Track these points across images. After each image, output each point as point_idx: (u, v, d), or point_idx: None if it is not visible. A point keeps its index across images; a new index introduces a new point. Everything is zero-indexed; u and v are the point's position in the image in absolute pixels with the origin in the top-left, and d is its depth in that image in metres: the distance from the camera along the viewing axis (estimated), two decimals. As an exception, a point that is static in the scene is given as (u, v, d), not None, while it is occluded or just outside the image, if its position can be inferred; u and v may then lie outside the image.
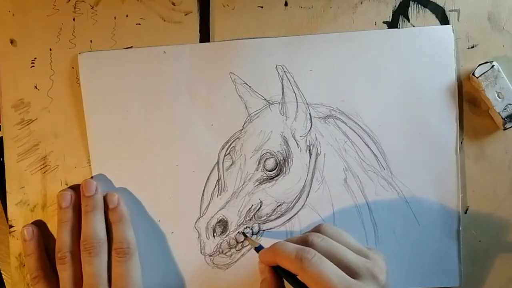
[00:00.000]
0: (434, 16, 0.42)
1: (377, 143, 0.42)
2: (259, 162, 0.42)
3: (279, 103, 0.42)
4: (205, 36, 0.41)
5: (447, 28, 0.42)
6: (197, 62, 0.41)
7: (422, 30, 0.42)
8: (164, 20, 0.41)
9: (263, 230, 0.42)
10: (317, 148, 0.42)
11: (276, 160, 0.42)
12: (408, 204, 0.43)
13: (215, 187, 0.42)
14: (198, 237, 0.42)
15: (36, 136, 0.42)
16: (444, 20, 0.42)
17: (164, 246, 0.42)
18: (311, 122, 0.42)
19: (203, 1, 0.41)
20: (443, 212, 0.43)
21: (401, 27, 0.42)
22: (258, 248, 0.39)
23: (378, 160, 0.42)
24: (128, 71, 0.41)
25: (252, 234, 0.42)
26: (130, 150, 0.41)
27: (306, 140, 0.42)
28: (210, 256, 0.42)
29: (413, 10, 0.42)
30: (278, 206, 0.42)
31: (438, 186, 0.42)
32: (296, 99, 0.42)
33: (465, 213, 0.44)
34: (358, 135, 0.42)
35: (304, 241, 0.34)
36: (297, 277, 0.33)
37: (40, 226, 0.42)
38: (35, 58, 0.41)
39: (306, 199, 0.42)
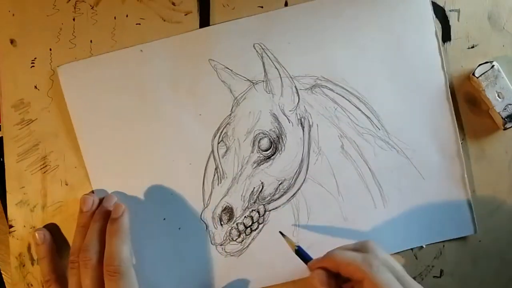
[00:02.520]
0: (434, 16, 0.42)
1: (367, 105, 0.42)
2: (253, 143, 0.41)
3: (263, 81, 0.41)
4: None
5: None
6: (175, 55, 0.41)
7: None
8: (164, 20, 0.41)
9: (269, 211, 0.42)
10: (308, 120, 0.42)
11: (270, 139, 0.42)
12: (409, 160, 0.42)
13: (214, 176, 0.42)
14: (206, 228, 0.42)
15: (36, 136, 0.42)
16: (444, 20, 0.42)
17: (173, 244, 0.42)
18: (298, 95, 0.42)
19: (203, 1, 0.41)
20: (446, 161, 0.42)
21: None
22: (299, 250, 0.38)
23: (372, 121, 0.42)
24: (108, 76, 0.41)
25: (259, 217, 0.42)
26: (124, 154, 0.41)
27: (296, 113, 0.42)
28: (221, 245, 0.42)
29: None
30: (280, 184, 0.42)
31: (436, 135, 0.42)
32: (280, 74, 0.41)
33: None
34: (348, 100, 0.42)
35: (358, 250, 0.35)
36: (364, 282, 0.33)
37: (52, 229, 0.41)
38: (35, 58, 0.41)
39: (307, 172, 0.42)
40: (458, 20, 0.42)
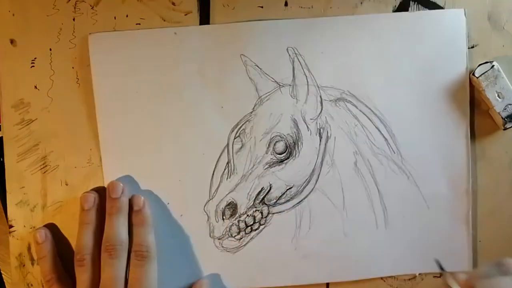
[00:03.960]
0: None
1: (387, 127, 0.42)
2: (269, 145, 0.42)
3: (290, 85, 0.41)
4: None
5: (459, 12, 0.42)
6: (208, 44, 0.41)
7: (432, 14, 0.42)
8: (164, 20, 0.41)
9: (273, 213, 0.42)
10: (327, 131, 0.42)
11: (286, 143, 0.42)
12: (418, 188, 0.42)
13: (224, 169, 0.42)
14: (207, 220, 0.42)
15: (36, 136, 0.41)
16: None
17: (173, 229, 0.42)
18: (321, 105, 0.42)
19: (203, 1, 0.41)
20: (453, 196, 0.43)
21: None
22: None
23: (389, 143, 0.42)
24: (138, 52, 0.41)
25: (262, 218, 0.42)
26: (140, 132, 0.41)
27: (317, 123, 0.42)
28: (219, 239, 0.42)
29: (413, 10, 0.42)
30: (287, 189, 0.42)
31: (448, 170, 0.42)
32: (307, 81, 0.41)
33: None
34: (369, 118, 0.42)
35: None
36: None
37: (52, 228, 0.41)
38: (35, 58, 0.41)
39: (316, 182, 0.42)
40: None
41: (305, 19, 0.41)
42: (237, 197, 0.42)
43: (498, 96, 0.41)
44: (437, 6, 0.42)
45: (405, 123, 0.42)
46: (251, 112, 0.41)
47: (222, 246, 0.42)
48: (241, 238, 0.42)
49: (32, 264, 0.42)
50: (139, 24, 0.41)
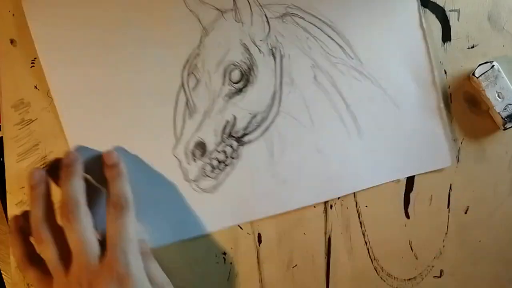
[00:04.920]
0: (434, 16, 0.41)
1: (340, 34, 0.41)
2: (224, 76, 0.41)
3: (232, 10, 0.40)
4: None
5: None
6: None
7: None
8: None
9: (243, 145, 0.42)
10: (280, 50, 0.41)
11: (241, 71, 0.41)
12: (383, 90, 0.41)
13: (185, 110, 0.41)
14: (179, 164, 0.41)
15: (36, 136, 0.41)
16: (444, 20, 0.42)
17: (147, 181, 0.41)
18: (268, 24, 0.40)
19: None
20: (420, 89, 0.42)
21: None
22: None
23: (345, 50, 0.41)
24: (73, 5, 0.39)
25: (233, 151, 0.41)
26: (92, 85, 0.40)
27: (267, 43, 0.41)
28: (195, 181, 0.42)
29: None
30: (252, 118, 0.41)
31: (409, 64, 0.41)
32: (249, 2, 0.40)
33: (465, 213, 0.43)
34: (319, 28, 0.41)
35: None
36: None
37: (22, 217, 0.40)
38: (35, 58, 0.40)
39: (279, 105, 0.41)
40: (458, 20, 0.42)
41: None
42: (204, 135, 0.41)
43: (498, 96, 0.40)
44: (436, 6, 0.42)
45: (357, 26, 0.41)
46: (199, 45, 0.40)
47: (200, 188, 0.42)
48: (216, 176, 0.42)
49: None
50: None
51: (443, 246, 0.44)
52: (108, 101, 0.41)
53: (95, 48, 0.40)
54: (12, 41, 0.40)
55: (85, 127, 0.41)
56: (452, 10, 0.42)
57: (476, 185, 0.43)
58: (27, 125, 0.41)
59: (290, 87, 0.41)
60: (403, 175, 0.43)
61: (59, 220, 0.37)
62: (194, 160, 0.41)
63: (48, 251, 0.36)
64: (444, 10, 0.42)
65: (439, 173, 0.43)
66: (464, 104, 0.43)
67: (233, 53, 0.40)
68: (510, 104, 0.41)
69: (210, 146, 0.41)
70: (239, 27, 0.40)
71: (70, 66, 0.40)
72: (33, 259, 0.38)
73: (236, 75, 0.41)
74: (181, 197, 0.42)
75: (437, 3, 0.42)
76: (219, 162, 0.41)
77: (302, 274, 0.44)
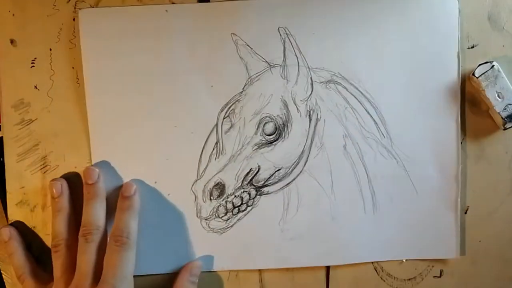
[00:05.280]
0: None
1: (377, 110, 0.42)
2: (258, 126, 0.41)
3: (280, 66, 0.41)
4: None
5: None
6: (199, 22, 0.40)
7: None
8: None
9: (260, 195, 0.42)
10: (317, 113, 0.42)
11: (275, 124, 0.41)
12: (407, 172, 0.42)
13: (213, 150, 0.41)
14: (195, 200, 0.42)
15: (36, 136, 0.41)
16: None
17: (160, 208, 0.42)
18: (312, 86, 0.41)
19: (204, 2, 0.41)
20: (442, 181, 0.42)
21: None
22: None
23: (378, 127, 0.42)
24: (128, 28, 0.40)
25: (249, 199, 0.42)
26: (129, 109, 0.41)
27: (307, 105, 0.41)
28: (206, 219, 0.42)
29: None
30: (276, 171, 0.42)
31: (437, 155, 0.42)
32: (298, 62, 0.41)
33: (465, 213, 0.44)
34: (359, 101, 0.42)
35: None
36: None
37: (18, 226, 0.42)
38: (35, 58, 0.41)
39: (305, 165, 0.42)
40: (458, 20, 0.42)
41: (297, -2, 0.41)
42: (225, 178, 0.41)
43: (498, 96, 0.41)
44: None
45: (395, 107, 0.42)
46: (241, 92, 0.41)
47: (209, 227, 0.42)
48: (228, 219, 0.42)
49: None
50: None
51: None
52: (140, 126, 0.41)
53: (140, 75, 0.41)
54: (12, 41, 0.41)
55: (111, 145, 0.41)
56: (452, 10, 0.42)
57: (476, 185, 0.43)
58: (27, 125, 0.41)
59: (318, 150, 0.42)
60: (407, 257, 0.44)
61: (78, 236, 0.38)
62: (210, 199, 0.42)
63: (59, 261, 0.38)
64: (444, 10, 0.42)
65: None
66: (464, 104, 0.43)
67: (272, 106, 0.41)
68: (510, 104, 0.40)
69: (229, 189, 0.42)
70: (283, 83, 0.41)
71: (113, 89, 0.41)
72: (31, 270, 0.40)
73: (270, 127, 0.41)
74: (188, 231, 0.42)
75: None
76: (234, 206, 0.42)
77: (302, 274, 0.43)
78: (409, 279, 0.44)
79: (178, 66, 0.41)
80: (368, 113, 0.42)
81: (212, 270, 0.43)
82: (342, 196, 0.42)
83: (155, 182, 0.42)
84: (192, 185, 0.42)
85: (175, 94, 0.41)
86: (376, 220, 0.43)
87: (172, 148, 0.41)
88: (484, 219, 0.44)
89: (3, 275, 0.44)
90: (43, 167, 0.42)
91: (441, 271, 0.44)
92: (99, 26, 0.41)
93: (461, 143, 0.43)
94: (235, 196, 0.42)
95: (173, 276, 0.42)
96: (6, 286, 0.43)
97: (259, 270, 0.43)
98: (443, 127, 0.42)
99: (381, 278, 0.44)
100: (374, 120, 0.42)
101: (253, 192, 0.42)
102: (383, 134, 0.42)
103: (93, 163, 0.41)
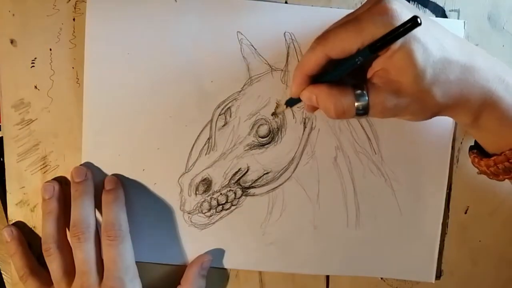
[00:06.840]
0: (434, 16, 0.42)
1: (372, 127, 0.42)
2: (252, 127, 0.41)
3: (282, 70, 0.41)
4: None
5: (459, 23, 0.42)
6: (207, 15, 0.40)
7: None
8: None
9: (246, 196, 0.42)
10: (312, 122, 0.42)
11: (269, 128, 0.41)
12: (393, 192, 0.42)
13: (204, 145, 0.41)
14: (180, 192, 0.42)
15: (36, 136, 0.41)
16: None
17: (145, 196, 0.42)
18: (310, 95, 0.41)
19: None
20: (428, 207, 0.43)
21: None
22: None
23: (371, 143, 0.42)
24: (135, 16, 0.40)
25: (234, 198, 0.42)
26: (127, 95, 0.41)
27: (303, 112, 0.42)
28: (189, 213, 0.42)
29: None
30: (264, 174, 0.42)
31: (426, 182, 0.42)
32: (299, 69, 0.41)
33: (465, 213, 0.44)
34: (355, 116, 0.42)
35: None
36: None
37: (20, 226, 0.42)
38: (35, 58, 0.41)
39: (294, 171, 0.42)
40: (458, 20, 0.42)
41: (308, 6, 0.41)
42: (213, 174, 0.41)
43: None
44: (437, 6, 0.42)
45: (390, 126, 0.42)
46: (240, 91, 0.41)
47: (191, 221, 0.42)
48: (211, 216, 0.42)
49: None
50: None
51: (443, 246, 0.44)
52: (136, 113, 0.41)
53: (141, 64, 0.41)
54: (12, 41, 0.40)
55: (103, 137, 0.41)
56: (452, 10, 0.42)
57: (476, 185, 0.43)
58: (27, 125, 0.41)
59: (309, 158, 0.42)
60: (383, 275, 0.44)
61: (69, 238, 0.38)
62: (196, 194, 0.42)
63: (54, 264, 0.38)
64: (444, 10, 0.42)
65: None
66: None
67: (268, 109, 0.41)
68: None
69: (216, 186, 0.42)
70: (282, 88, 0.41)
71: (111, 78, 0.41)
72: (33, 270, 0.40)
73: (264, 130, 0.41)
74: (170, 223, 0.42)
75: (437, 3, 0.42)
76: (218, 204, 0.42)
77: (302, 274, 0.43)
78: (409, 279, 0.44)
79: (182, 56, 0.41)
80: (363, 128, 0.42)
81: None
82: (327, 207, 0.42)
83: (143, 170, 0.42)
84: (179, 178, 0.42)
85: (175, 85, 0.41)
86: (357, 235, 0.43)
87: (164, 138, 0.41)
88: (484, 219, 0.44)
89: (3, 275, 0.44)
90: (43, 167, 0.41)
91: (441, 271, 0.44)
92: (106, 13, 0.40)
93: (461, 142, 0.42)
94: (221, 193, 0.42)
95: (179, 268, 0.42)
96: (6, 286, 0.44)
97: (259, 270, 0.43)
98: (434, 156, 0.42)
99: (381, 278, 0.44)
100: (368, 136, 0.42)
101: (239, 192, 0.42)
102: (374, 151, 0.42)
103: (83, 157, 0.41)
